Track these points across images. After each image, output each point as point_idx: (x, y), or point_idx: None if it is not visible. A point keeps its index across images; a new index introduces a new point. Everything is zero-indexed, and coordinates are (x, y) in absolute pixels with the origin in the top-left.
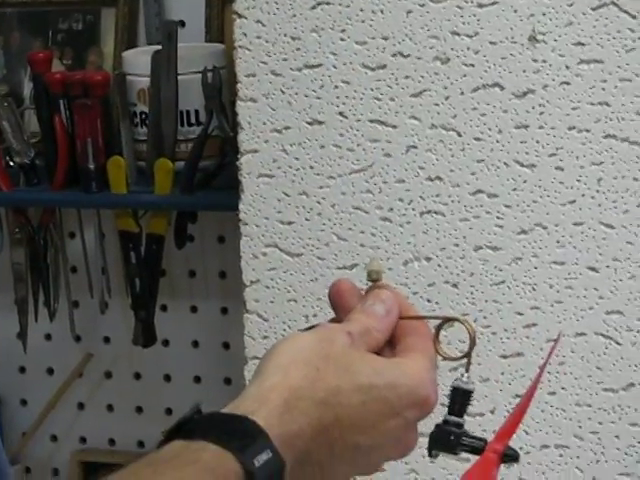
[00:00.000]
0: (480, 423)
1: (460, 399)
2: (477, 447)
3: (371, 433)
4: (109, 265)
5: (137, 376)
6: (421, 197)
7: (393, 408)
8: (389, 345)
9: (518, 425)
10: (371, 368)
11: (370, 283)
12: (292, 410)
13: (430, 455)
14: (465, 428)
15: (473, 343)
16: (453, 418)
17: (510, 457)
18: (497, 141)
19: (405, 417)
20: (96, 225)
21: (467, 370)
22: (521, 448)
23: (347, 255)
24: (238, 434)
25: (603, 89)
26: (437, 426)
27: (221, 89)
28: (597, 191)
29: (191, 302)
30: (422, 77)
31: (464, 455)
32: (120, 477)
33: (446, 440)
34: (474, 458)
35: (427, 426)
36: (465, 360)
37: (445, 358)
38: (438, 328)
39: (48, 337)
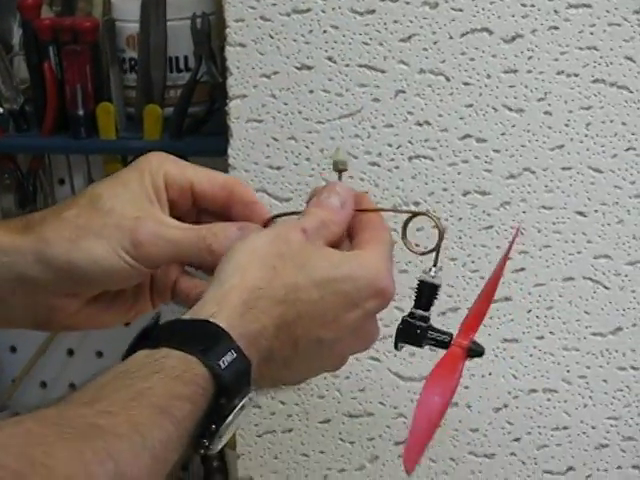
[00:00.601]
0: (468, 367)
1: (427, 293)
2: (443, 341)
3: (332, 326)
4: None
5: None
6: (409, 142)
7: (352, 300)
8: (348, 238)
9: (482, 319)
10: (328, 262)
11: (336, 174)
12: (253, 310)
13: (396, 348)
14: (431, 322)
15: (441, 238)
16: (420, 312)
17: (475, 352)
18: (485, 86)
19: (365, 308)
20: (85, 171)
21: (435, 265)
22: (509, 392)
23: None
24: (200, 337)
25: (592, 33)
26: (404, 319)
27: (210, 35)
28: (585, 135)
29: None
30: (411, 22)
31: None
32: (88, 390)
33: (412, 333)
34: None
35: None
36: (434, 255)
37: (414, 252)
38: (406, 223)
39: None
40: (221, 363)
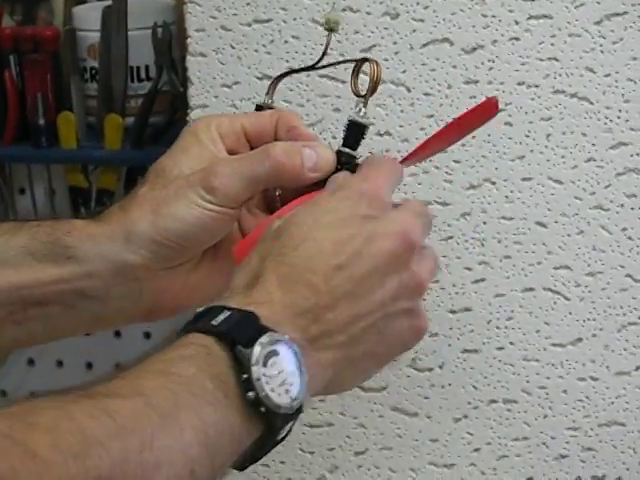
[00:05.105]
0: (429, 378)
1: (355, 132)
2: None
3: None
4: None
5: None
6: (370, 152)
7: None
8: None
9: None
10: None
11: (327, 33)
12: (296, 284)
13: None
14: (358, 161)
15: (375, 83)
16: (347, 150)
17: None
18: (446, 96)
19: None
20: (46, 181)
21: (365, 105)
22: (469, 403)
23: None
24: (205, 315)
25: (552, 44)
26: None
27: (171, 44)
28: (546, 146)
29: None
30: (372, 32)
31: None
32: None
33: (338, 170)
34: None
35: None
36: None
37: (354, 93)
38: (355, 69)
39: None
40: (213, 322)
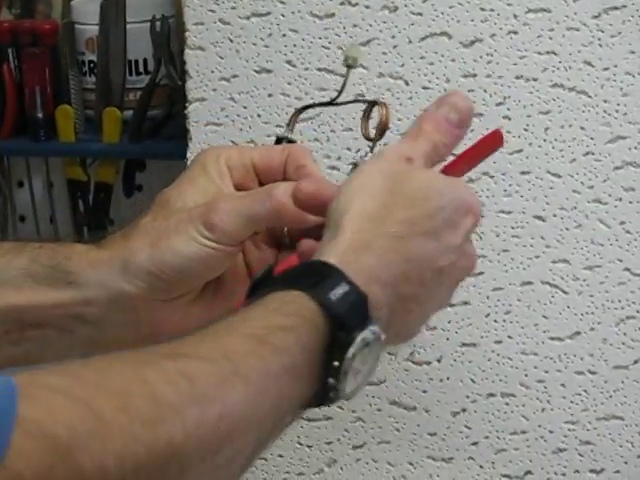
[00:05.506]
0: (427, 372)
1: None
2: None
3: (448, 254)
4: (57, 214)
5: None
6: (369, 146)
7: (456, 223)
8: None
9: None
10: (434, 191)
11: (345, 69)
12: (368, 249)
13: None
14: None
15: (383, 127)
16: None
17: None
18: (445, 90)
19: (466, 227)
20: (44, 174)
21: (372, 151)
22: (467, 397)
23: None
24: (309, 275)
25: (550, 38)
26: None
27: (169, 38)
28: (544, 140)
29: None
30: (370, 26)
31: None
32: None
33: None
34: None
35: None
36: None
37: (364, 136)
38: (365, 113)
39: None
40: (331, 296)
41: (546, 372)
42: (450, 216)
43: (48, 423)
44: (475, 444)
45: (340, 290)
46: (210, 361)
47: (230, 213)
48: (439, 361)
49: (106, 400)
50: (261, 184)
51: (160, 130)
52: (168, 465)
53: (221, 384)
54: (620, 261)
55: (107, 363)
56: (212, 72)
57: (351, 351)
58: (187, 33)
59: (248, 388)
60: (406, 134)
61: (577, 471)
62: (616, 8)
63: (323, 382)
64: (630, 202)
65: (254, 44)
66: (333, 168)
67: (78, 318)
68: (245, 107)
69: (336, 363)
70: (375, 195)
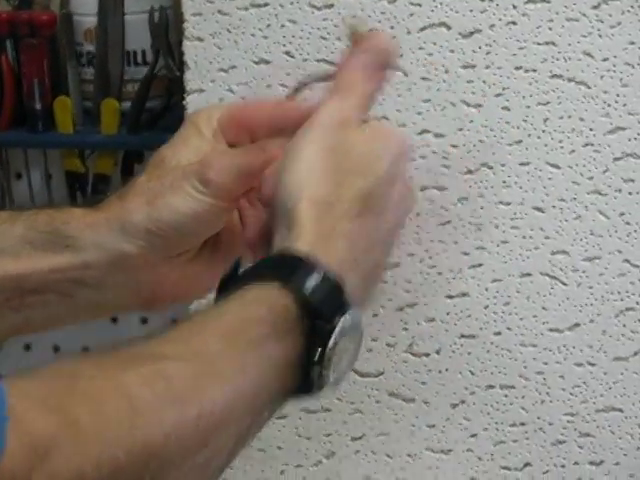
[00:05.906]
0: (426, 363)
1: None
2: None
3: (394, 208)
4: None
5: None
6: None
7: (397, 175)
8: None
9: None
10: (375, 155)
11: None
12: (332, 234)
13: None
14: None
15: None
16: None
17: None
18: (444, 81)
19: (403, 176)
20: (42, 165)
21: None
22: (466, 388)
23: None
24: (281, 267)
25: (550, 29)
26: None
27: (167, 29)
28: (543, 131)
29: None
30: (369, 16)
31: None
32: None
33: None
34: None
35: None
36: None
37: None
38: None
39: None
40: (307, 286)
41: (545, 364)
42: (394, 171)
43: (25, 430)
44: (474, 436)
45: (315, 279)
46: (186, 361)
47: (225, 168)
48: (438, 353)
49: (82, 405)
50: (253, 142)
51: (158, 121)
52: (147, 467)
53: (198, 383)
54: (620, 252)
55: (82, 366)
56: (210, 63)
57: (332, 338)
58: (185, 24)
59: (224, 385)
60: (335, 88)
61: (576, 463)
62: None
63: (306, 371)
64: (630, 193)
65: (253, 35)
66: None
67: (78, 282)
68: (243, 98)
69: (318, 351)
70: (322, 177)
